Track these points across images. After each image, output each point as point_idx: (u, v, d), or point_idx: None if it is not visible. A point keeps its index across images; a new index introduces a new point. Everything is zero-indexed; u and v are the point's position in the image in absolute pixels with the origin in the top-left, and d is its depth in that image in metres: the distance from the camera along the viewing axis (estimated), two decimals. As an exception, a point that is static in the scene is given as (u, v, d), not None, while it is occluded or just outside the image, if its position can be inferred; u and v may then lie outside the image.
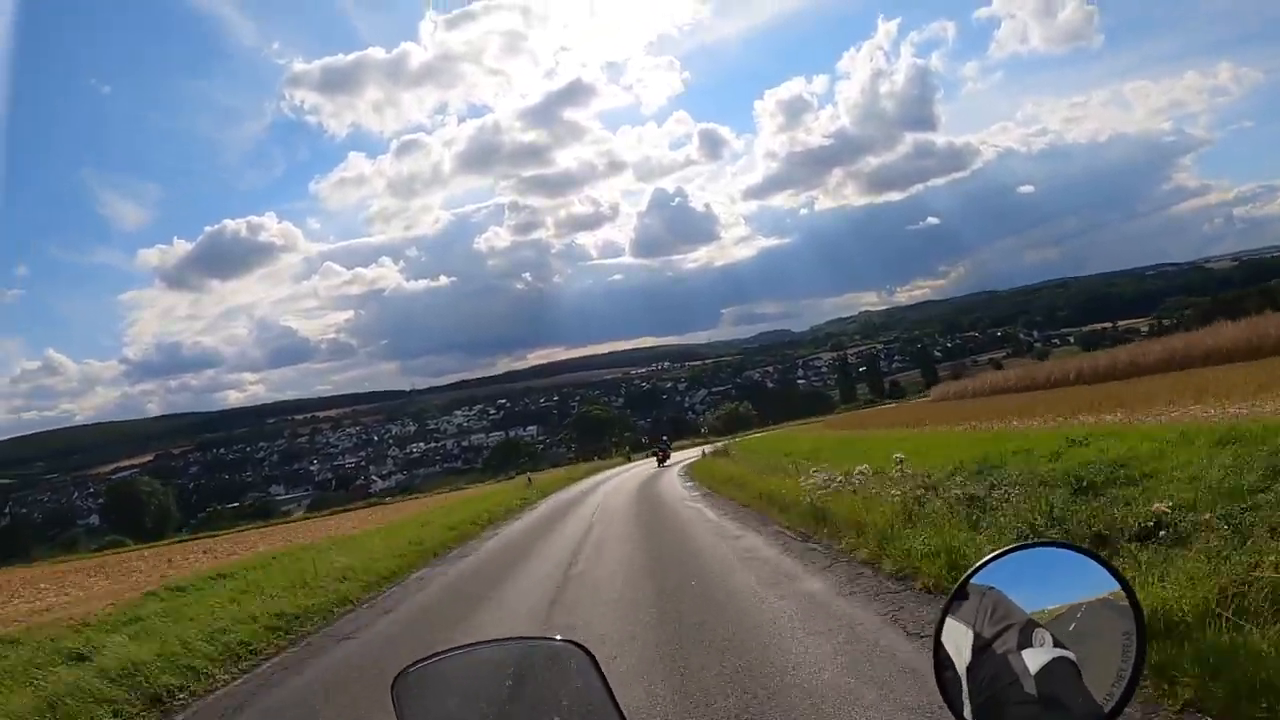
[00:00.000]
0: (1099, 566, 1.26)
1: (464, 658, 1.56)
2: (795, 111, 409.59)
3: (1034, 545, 1.39)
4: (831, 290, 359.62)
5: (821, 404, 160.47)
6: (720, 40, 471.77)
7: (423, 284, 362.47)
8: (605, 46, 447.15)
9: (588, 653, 1.34)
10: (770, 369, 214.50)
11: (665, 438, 56.90)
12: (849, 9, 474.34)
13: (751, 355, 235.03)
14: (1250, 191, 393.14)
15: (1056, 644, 1.27)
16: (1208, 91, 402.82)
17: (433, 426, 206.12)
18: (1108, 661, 1.26)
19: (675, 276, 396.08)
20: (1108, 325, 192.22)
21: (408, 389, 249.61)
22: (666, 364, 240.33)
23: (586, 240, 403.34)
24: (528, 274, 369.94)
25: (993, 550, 1.30)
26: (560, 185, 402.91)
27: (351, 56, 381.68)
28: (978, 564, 1.26)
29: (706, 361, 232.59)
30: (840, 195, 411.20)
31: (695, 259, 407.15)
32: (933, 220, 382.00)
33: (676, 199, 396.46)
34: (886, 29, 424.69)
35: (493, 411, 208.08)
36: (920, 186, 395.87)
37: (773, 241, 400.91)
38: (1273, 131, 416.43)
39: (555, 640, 1.42)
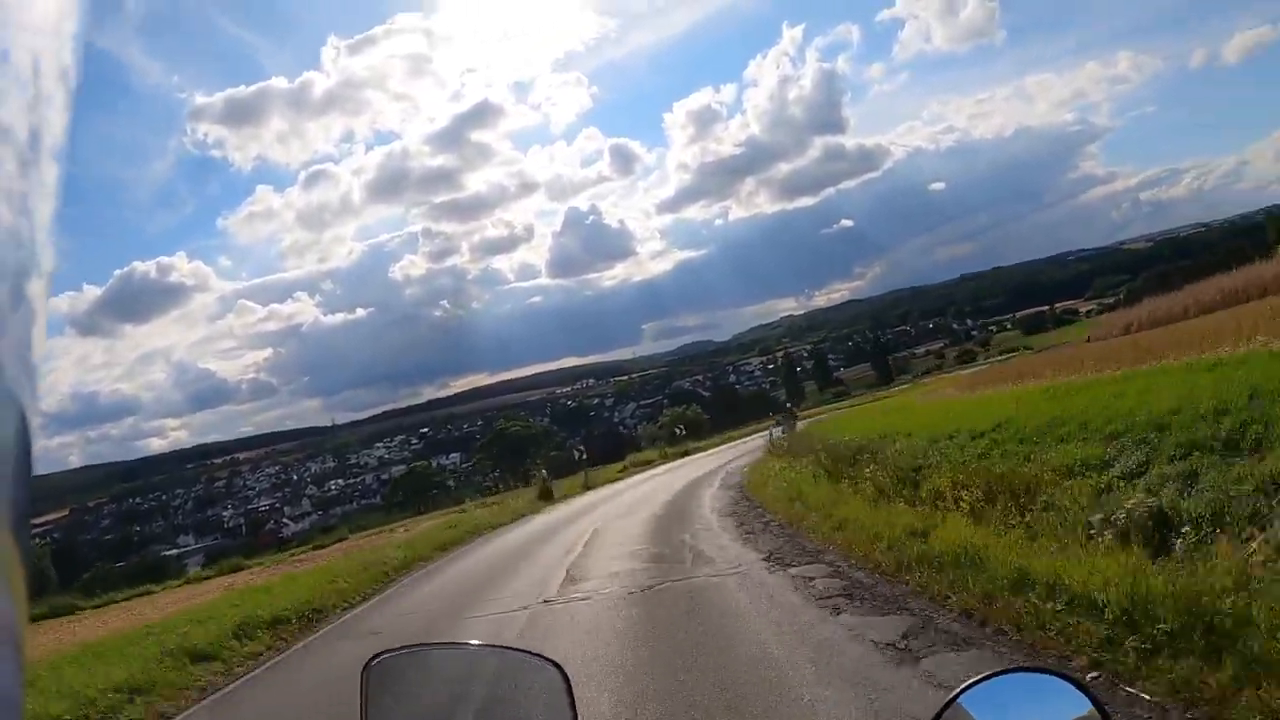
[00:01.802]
0: (1077, 691, 1.19)
1: (439, 654, 1.51)
2: (705, 122, 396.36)
3: (1018, 670, 1.35)
4: (751, 298, 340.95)
5: (771, 405, 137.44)
6: (628, 54, 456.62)
7: (340, 317, 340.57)
8: (511, 66, 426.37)
9: (563, 673, 1.26)
10: (699, 378, 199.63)
11: (789, 405, 43.97)
12: (754, 17, 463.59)
13: (677, 367, 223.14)
14: (1155, 175, 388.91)
15: None
16: (1108, 81, 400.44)
17: (353, 461, 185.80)
18: None
19: (594, 295, 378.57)
20: (1043, 308, 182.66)
21: (330, 424, 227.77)
22: (591, 381, 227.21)
23: (502, 264, 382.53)
24: (445, 301, 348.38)
25: (974, 676, 1.24)
26: (473, 209, 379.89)
27: (254, 87, 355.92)
28: (960, 688, 1.19)
29: (632, 376, 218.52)
30: (753, 204, 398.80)
31: (613, 276, 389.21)
32: (846, 223, 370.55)
33: (590, 217, 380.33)
34: (792, 35, 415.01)
35: (414, 441, 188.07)
36: (832, 190, 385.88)
37: (689, 254, 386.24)
38: (1174, 116, 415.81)
39: (533, 655, 1.34)
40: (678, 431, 46.09)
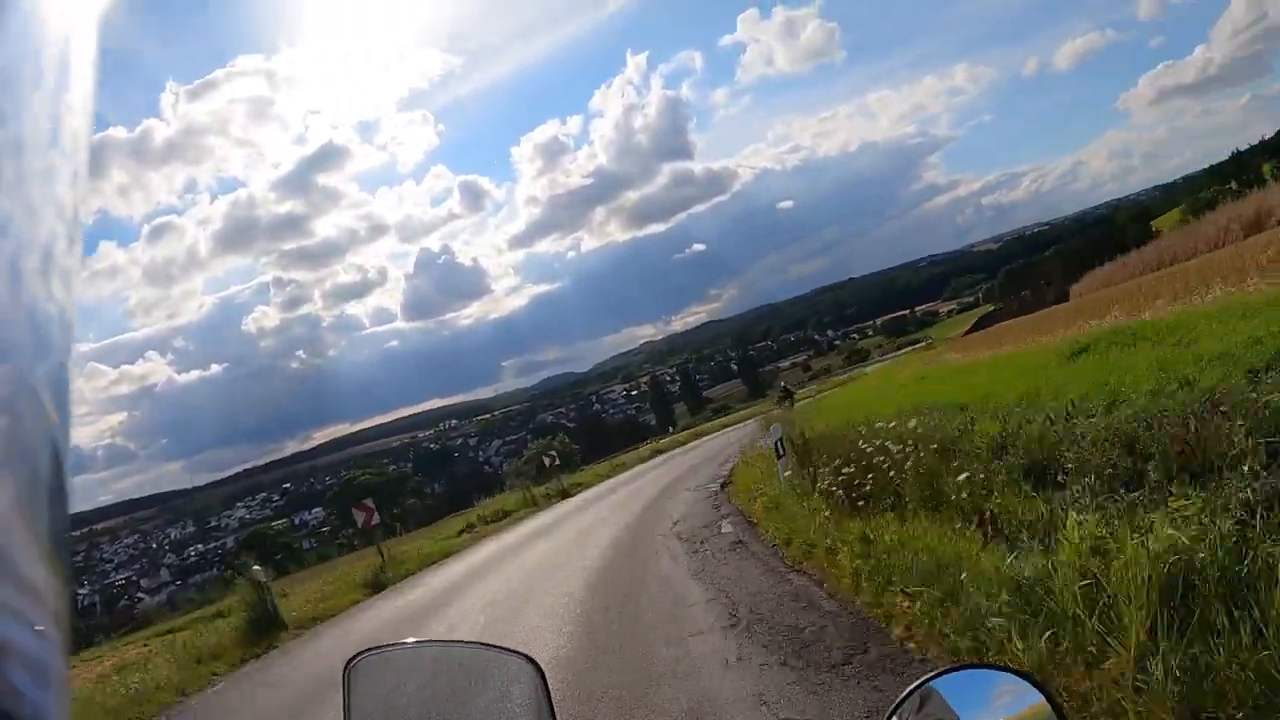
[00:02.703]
0: (1035, 690, 1.13)
1: (419, 651, 1.50)
2: (552, 154, 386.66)
3: (976, 666, 1.31)
4: (608, 328, 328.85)
5: (642, 429, 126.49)
6: (473, 91, 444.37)
7: (195, 374, 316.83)
8: (356, 106, 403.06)
9: (538, 669, 1.23)
10: (563, 410, 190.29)
11: (784, 386, 41.66)
12: (597, 47, 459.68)
13: (540, 401, 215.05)
14: (996, 180, 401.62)
15: None
16: (947, 93, 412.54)
17: (213, 524, 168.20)
18: None
19: (451, 335, 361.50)
20: (904, 312, 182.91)
21: (189, 487, 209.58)
22: (454, 422, 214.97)
23: (357, 309, 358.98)
24: (301, 351, 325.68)
25: (931, 671, 1.19)
26: (323, 255, 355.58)
27: (93, 138, 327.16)
28: (912, 686, 1.14)
29: (495, 414, 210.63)
30: (604, 233, 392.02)
31: (469, 315, 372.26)
32: (699, 246, 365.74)
33: (443, 256, 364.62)
34: (635, 63, 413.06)
35: (276, 499, 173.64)
36: (683, 215, 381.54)
37: (544, 287, 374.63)
38: (1010, 123, 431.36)
39: (509, 651, 1.29)
40: (546, 462, 29.68)
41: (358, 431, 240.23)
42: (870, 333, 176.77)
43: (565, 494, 25.71)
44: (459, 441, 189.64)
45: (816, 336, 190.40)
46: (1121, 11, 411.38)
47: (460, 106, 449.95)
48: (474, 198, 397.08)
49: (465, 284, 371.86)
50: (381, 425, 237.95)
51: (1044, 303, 74.23)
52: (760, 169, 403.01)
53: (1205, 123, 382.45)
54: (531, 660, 1.23)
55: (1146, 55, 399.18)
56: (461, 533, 24.06)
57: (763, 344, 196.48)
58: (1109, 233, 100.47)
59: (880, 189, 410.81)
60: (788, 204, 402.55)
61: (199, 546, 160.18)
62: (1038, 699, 1.10)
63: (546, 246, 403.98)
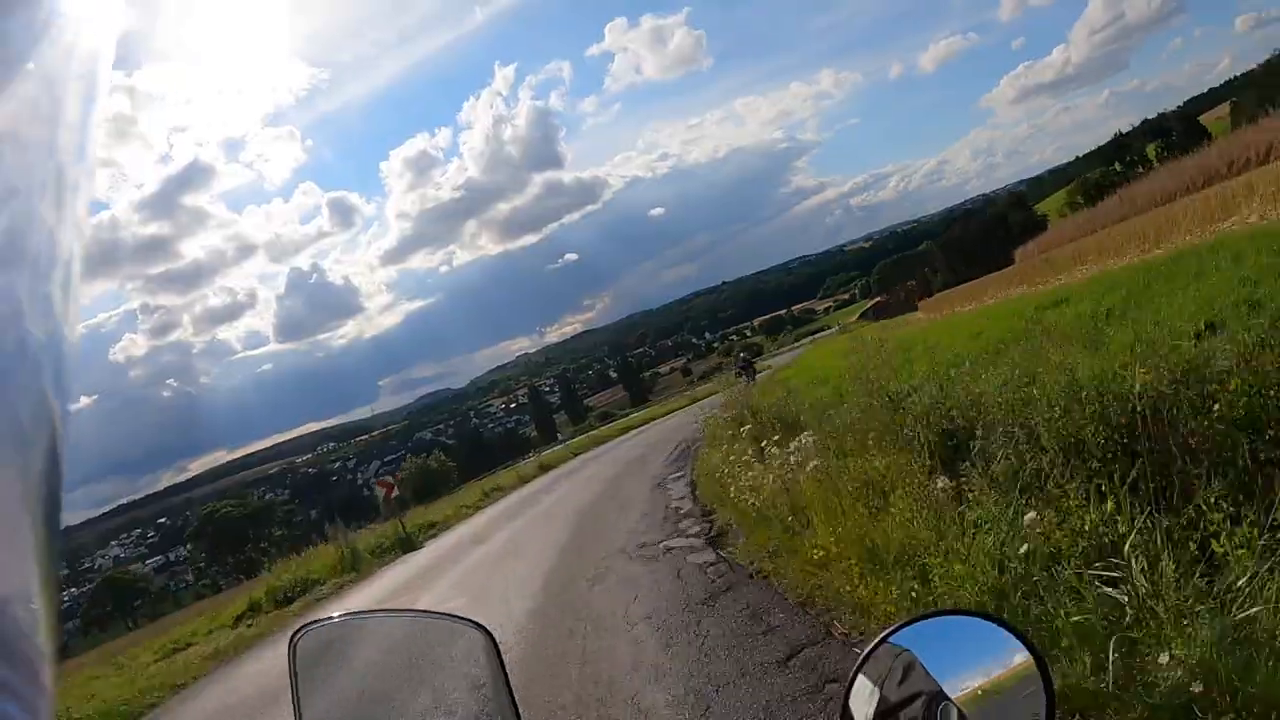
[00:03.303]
0: (1011, 636, 1.07)
1: (365, 622, 1.49)
2: (422, 168, 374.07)
3: (949, 613, 1.27)
4: (483, 342, 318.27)
5: (525, 443, 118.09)
6: (341, 105, 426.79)
7: None
8: (221, 122, 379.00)
9: (488, 634, 1.20)
10: (441, 427, 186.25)
11: (743, 355, 38.87)
12: (465, 59, 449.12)
13: (418, 419, 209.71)
14: (864, 182, 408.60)
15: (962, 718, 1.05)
16: (813, 98, 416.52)
17: (86, 565, 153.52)
18: None
19: (326, 355, 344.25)
20: (780, 311, 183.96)
21: (62, 526, 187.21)
22: (333, 445, 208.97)
23: (228, 334, 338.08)
24: (172, 379, 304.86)
25: (908, 616, 1.13)
26: (191, 278, 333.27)
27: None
28: (892, 628, 1.08)
29: (374, 434, 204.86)
30: (477, 247, 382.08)
31: (343, 334, 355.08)
32: (571, 256, 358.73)
33: (314, 275, 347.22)
34: (504, 75, 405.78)
35: (151, 534, 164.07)
36: (555, 225, 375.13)
37: (417, 303, 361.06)
38: (876, 125, 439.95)
39: (457, 618, 1.25)
40: (381, 493, 19.88)
41: (235, 459, 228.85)
42: (749, 333, 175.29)
43: (410, 545, 16.29)
44: (337, 464, 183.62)
45: (694, 340, 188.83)
46: (983, 15, 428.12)
47: (327, 121, 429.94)
48: (344, 214, 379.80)
49: (338, 303, 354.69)
50: (259, 452, 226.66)
51: (932, 290, 70.68)
52: (631, 177, 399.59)
53: (1066, 119, 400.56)
54: (482, 628, 1.18)
55: (1008, 56, 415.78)
56: (240, 619, 14.54)
57: (640, 350, 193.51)
58: (990, 220, 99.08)
59: (750, 193, 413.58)
60: (659, 211, 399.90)
61: (72, 590, 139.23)
62: (1014, 644, 1.03)
63: (419, 262, 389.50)
